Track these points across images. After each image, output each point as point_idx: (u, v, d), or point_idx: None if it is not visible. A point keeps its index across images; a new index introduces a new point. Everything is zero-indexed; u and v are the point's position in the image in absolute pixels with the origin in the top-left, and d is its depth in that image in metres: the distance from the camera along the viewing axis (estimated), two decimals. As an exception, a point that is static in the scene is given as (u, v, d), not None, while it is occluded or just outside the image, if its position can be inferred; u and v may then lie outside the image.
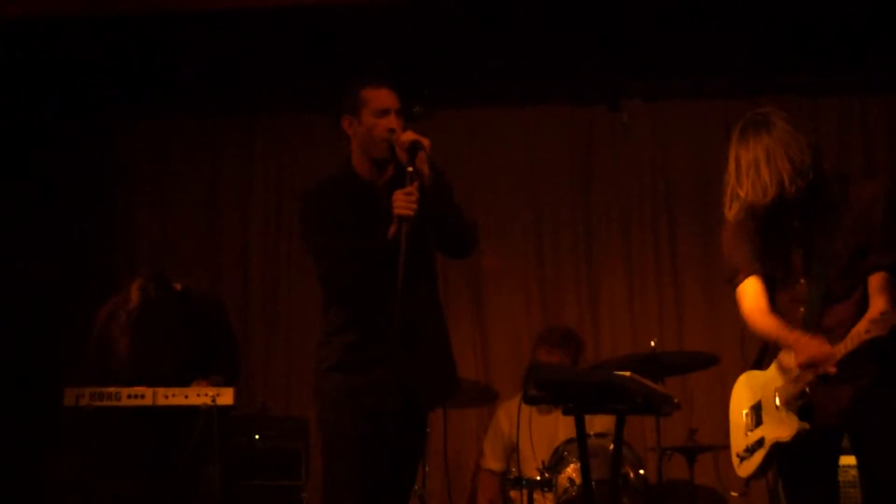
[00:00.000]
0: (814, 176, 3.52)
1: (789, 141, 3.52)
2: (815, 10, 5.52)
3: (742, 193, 3.54)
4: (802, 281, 3.64)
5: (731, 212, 3.62)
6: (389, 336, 3.44)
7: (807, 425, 3.52)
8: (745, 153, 3.55)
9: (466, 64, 6.12)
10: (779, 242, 3.66)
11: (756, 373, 3.77)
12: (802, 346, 3.51)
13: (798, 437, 3.53)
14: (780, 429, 3.59)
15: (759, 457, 3.67)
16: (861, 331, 3.38)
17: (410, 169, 3.58)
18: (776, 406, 3.62)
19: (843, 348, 3.42)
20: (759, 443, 3.67)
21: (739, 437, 3.79)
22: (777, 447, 3.61)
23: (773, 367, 3.68)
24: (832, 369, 3.43)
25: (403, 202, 3.53)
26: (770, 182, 3.50)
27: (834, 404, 3.52)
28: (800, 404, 3.55)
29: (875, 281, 3.56)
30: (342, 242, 3.66)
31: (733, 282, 3.78)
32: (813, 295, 3.59)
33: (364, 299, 3.67)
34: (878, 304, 3.50)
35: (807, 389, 3.51)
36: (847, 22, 5.62)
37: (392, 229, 3.55)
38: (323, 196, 3.80)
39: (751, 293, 3.73)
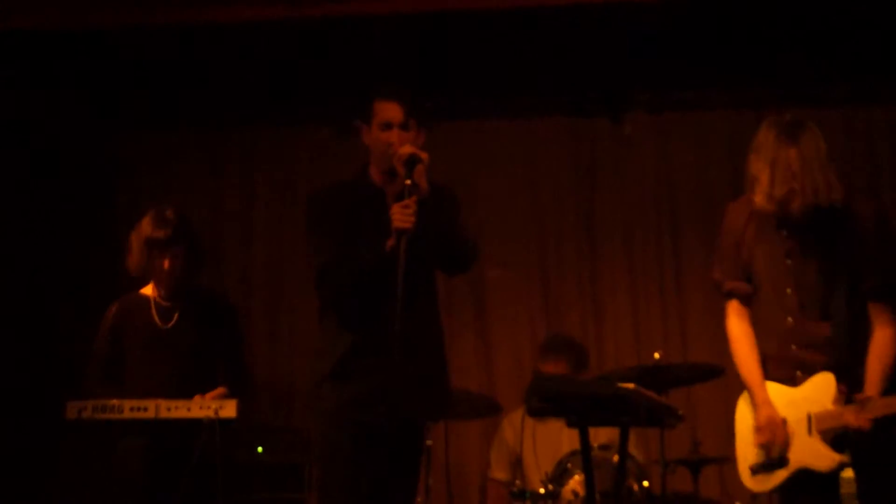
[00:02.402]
0: (844, 196, 3.62)
1: (829, 157, 3.62)
2: (819, 20, 5.52)
3: (777, 193, 3.59)
4: (789, 291, 3.67)
5: (758, 200, 3.66)
6: (385, 349, 3.42)
7: (847, 459, 3.53)
8: (789, 153, 3.58)
9: (468, 76, 6.11)
10: (785, 248, 3.69)
11: (779, 386, 3.71)
12: (762, 419, 3.65)
13: (837, 470, 3.55)
14: (812, 457, 3.58)
15: (779, 477, 3.66)
16: None
17: (408, 182, 3.57)
18: (808, 431, 3.59)
19: (876, 412, 3.47)
20: (781, 463, 3.64)
21: (752, 449, 3.74)
22: (805, 473, 3.59)
23: (806, 388, 3.64)
24: (867, 426, 3.47)
25: (401, 215, 3.53)
26: (809, 189, 3.56)
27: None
28: (834, 434, 3.57)
29: (875, 310, 3.64)
30: (340, 246, 3.65)
31: (719, 288, 3.87)
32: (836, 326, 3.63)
33: (357, 309, 3.65)
34: (884, 333, 3.61)
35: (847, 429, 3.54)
36: (851, 33, 5.62)
37: (390, 242, 3.55)
38: (331, 198, 3.81)
39: (735, 321, 3.83)
